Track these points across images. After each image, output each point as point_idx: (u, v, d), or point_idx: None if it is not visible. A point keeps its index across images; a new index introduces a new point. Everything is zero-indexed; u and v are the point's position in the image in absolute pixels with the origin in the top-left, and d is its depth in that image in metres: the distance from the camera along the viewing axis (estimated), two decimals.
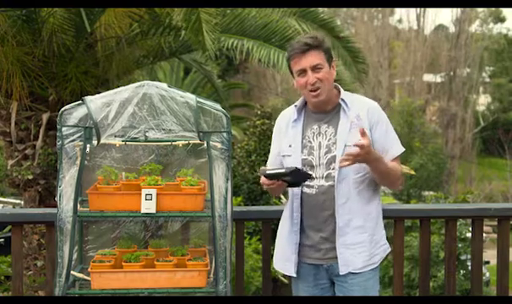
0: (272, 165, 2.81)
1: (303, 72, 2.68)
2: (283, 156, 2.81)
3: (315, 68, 2.65)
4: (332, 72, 2.72)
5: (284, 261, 2.82)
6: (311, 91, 2.68)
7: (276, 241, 2.89)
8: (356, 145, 2.51)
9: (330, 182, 2.68)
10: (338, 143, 2.67)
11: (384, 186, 2.82)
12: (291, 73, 2.76)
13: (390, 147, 2.74)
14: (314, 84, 2.66)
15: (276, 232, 2.91)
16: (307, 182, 2.69)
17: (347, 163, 2.54)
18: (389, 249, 2.86)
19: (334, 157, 2.67)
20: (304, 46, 2.65)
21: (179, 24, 5.78)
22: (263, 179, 2.66)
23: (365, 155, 2.53)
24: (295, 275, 2.78)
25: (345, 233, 2.68)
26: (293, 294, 2.89)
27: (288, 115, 2.85)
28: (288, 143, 2.79)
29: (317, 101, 2.71)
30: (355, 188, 2.68)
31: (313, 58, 2.65)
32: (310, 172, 2.65)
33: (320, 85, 2.66)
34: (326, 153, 2.69)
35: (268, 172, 2.60)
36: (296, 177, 2.59)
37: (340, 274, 2.69)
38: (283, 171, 2.59)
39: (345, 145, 2.65)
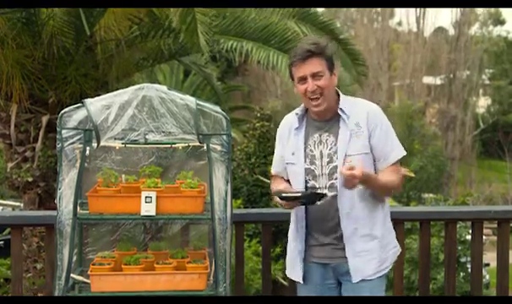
0: (282, 176, 2.83)
1: (304, 79, 2.65)
2: (287, 164, 2.79)
3: (315, 76, 2.62)
4: (333, 79, 2.68)
5: (292, 267, 2.82)
6: (311, 100, 2.65)
7: (287, 245, 2.89)
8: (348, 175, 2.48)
9: (333, 193, 2.65)
10: (339, 152, 2.65)
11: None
12: (292, 78, 2.72)
13: (390, 151, 2.70)
14: (314, 91, 2.63)
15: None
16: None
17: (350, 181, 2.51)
18: (400, 251, 2.84)
19: (336, 167, 2.64)
20: (306, 52, 2.62)
21: (177, 26, 5.77)
22: (277, 199, 2.66)
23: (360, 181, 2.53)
24: (301, 282, 2.76)
25: (353, 242, 2.65)
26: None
27: (290, 121, 2.82)
28: (291, 150, 2.76)
29: (317, 111, 2.69)
30: (358, 196, 2.64)
31: (314, 66, 2.62)
32: (324, 192, 2.63)
33: (320, 93, 2.63)
34: (328, 162, 2.66)
35: (284, 195, 2.61)
36: (311, 199, 2.61)
37: (353, 282, 2.66)
38: (298, 194, 2.60)
39: (346, 155, 2.63)
